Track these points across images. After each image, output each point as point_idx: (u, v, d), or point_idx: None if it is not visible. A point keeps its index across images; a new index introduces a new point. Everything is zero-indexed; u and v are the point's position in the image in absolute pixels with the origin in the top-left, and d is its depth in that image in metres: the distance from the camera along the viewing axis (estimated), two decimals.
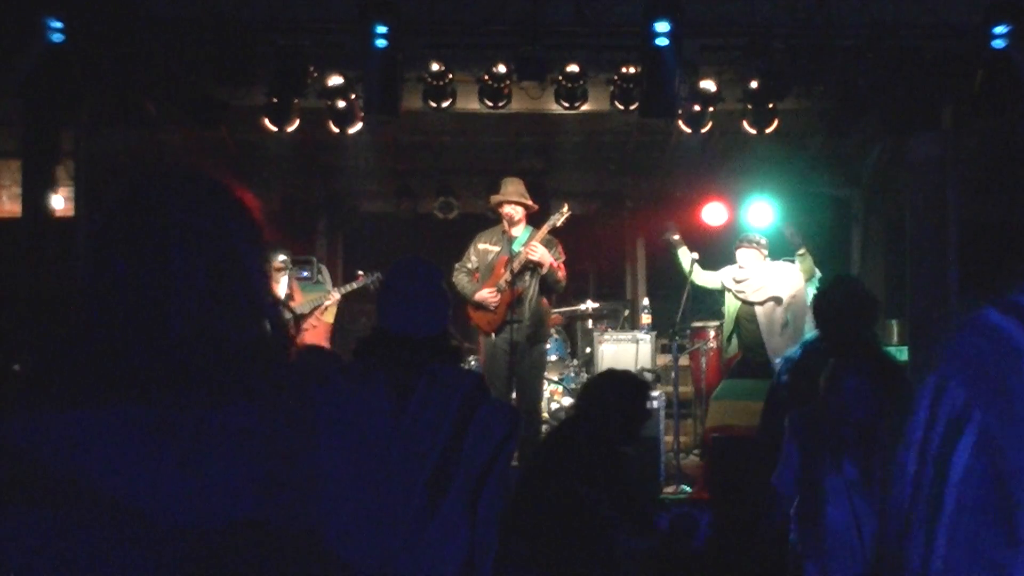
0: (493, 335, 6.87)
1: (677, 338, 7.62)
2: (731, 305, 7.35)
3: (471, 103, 7.18)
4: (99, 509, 1.07)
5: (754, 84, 6.96)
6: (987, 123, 7.36)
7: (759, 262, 7.22)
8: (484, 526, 2.51)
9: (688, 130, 7.26)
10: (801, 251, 7.21)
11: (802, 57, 6.77)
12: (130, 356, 1.15)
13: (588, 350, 8.81)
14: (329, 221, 10.55)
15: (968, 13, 6.60)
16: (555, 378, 8.07)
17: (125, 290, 1.20)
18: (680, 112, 7.04)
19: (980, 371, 1.05)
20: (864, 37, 6.74)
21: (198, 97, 7.00)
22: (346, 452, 1.15)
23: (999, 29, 6.37)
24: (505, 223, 6.93)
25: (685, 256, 7.48)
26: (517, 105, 7.25)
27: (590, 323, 9.30)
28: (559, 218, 6.91)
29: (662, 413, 6.99)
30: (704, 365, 8.38)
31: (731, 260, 7.42)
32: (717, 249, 7.61)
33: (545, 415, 7.66)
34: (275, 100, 6.98)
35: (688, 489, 6.92)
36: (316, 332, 7.84)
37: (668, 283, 8.87)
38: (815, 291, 7.16)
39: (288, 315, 7.63)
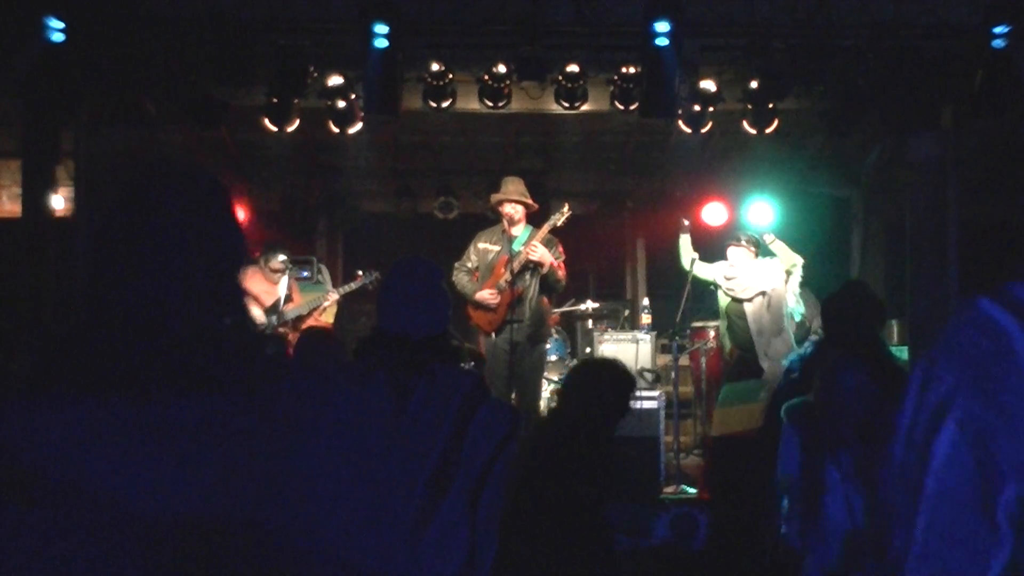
0: (493, 335, 6.87)
1: (677, 338, 7.64)
2: (722, 302, 7.44)
3: (471, 103, 7.18)
4: (91, 508, 1.07)
5: (754, 84, 6.96)
6: (987, 123, 7.36)
7: (749, 261, 7.30)
8: (484, 526, 2.51)
9: (688, 130, 7.26)
10: (770, 239, 7.30)
11: (802, 57, 6.77)
12: (129, 355, 1.15)
13: (588, 350, 8.81)
14: (329, 221, 10.55)
15: (968, 13, 6.60)
16: (555, 378, 8.07)
17: (124, 289, 1.19)
18: (680, 112, 7.04)
19: (967, 358, 1.06)
20: (864, 37, 6.74)
21: (198, 97, 6.99)
22: (345, 452, 1.15)
23: (999, 29, 6.36)
24: (505, 222, 6.93)
25: (686, 245, 7.55)
26: (517, 105, 7.25)
27: (590, 323, 9.30)
28: (559, 218, 6.91)
29: (662, 413, 7.00)
30: (704, 365, 8.39)
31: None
32: (717, 249, 7.63)
33: (545, 415, 7.67)
34: (275, 100, 6.98)
35: (688, 489, 6.92)
36: None
37: (668, 283, 8.87)
38: (801, 280, 7.30)
39: (286, 317, 7.62)
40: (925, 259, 7.45)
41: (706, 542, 6.10)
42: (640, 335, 8.17)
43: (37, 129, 7.01)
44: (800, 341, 7.23)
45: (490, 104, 7.07)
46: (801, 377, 4.33)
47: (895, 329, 8.59)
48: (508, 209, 6.95)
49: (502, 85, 6.98)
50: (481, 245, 7.07)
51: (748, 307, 7.23)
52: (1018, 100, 6.63)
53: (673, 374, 7.49)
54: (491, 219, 7.42)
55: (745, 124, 7.20)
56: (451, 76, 6.93)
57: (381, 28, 6.40)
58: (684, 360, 8.22)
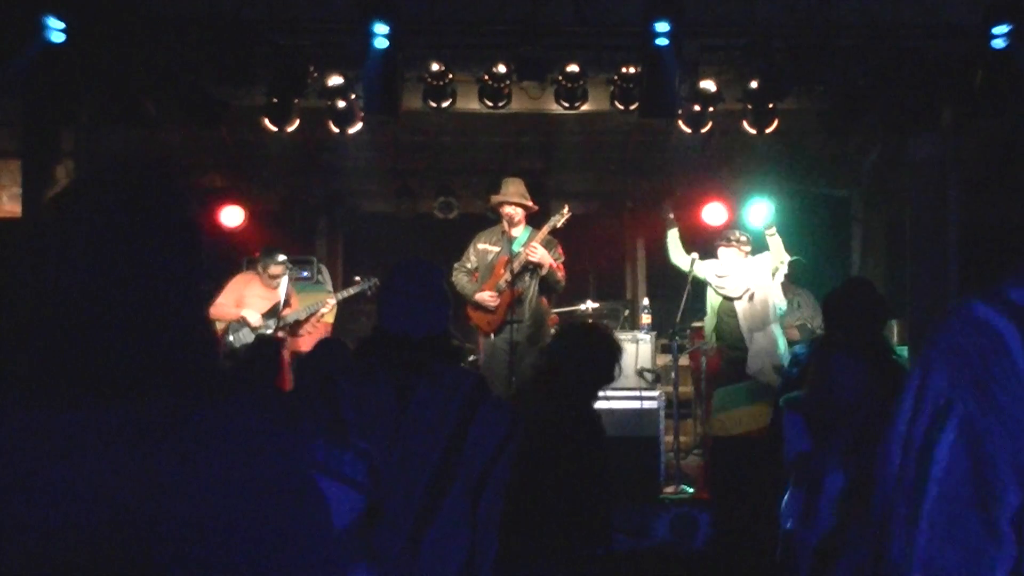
0: (493, 335, 6.87)
1: (677, 338, 7.64)
2: (713, 300, 7.46)
3: (471, 103, 7.18)
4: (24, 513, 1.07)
5: (754, 84, 6.96)
6: (987, 123, 7.36)
7: (740, 260, 7.34)
8: (485, 526, 2.51)
9: (688, 130, 7.26)
10: (771, 232, 7.35)
11: (802, 57, 6.77)
12: (52, 361, 1.14)
13: None
14: (329, 221, 10.54)
15: (968, 13, 6.60)
16: None
17: (112, 292, 1.18)
18: (680, 112, 7.04)
19: (963, 361, 1.06)
20: (864, 37, 6.74)
21: (198, 97, 6.99)
22: (252, 483, 1.13)
23: (999, 29, 6.36)
24: (505, 223, 6.93)
25: (675, 241, 7.61)
26: (517, 105, 7.25)
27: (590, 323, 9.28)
28: (559, 219, 6.91)
29: (662, 413, 7.00)
30: (704, 365, 8.38)
31: None
32: (714, 248, 7.64)
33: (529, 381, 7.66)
34: (275, 100, 6.98)
35: (688, 489, 6.92)
36: (316, 335, 7.82)
37: (668, 283, 8.87)
38: (784, 275, 7.33)
39: (285, 321, 7.61)
40: (925, 259, 7.45)
41: (706, 542, 6.10)
42: (640, 335, 8.15)
43: (37, 129, 7.01)
44: (803, 342, 7.25)
45: (490, 104, 7.07)
46: (799, 374, 4.33)
47: (895, 329, 8.58)
48: (508, 210, 6.95)
49: (502, 85, 6.98)
50: (481, 246, 7.07)
51: (739, 305, 7.29)
52: (1018, 100, 6.63)
53: (673, 374, 7.49)
54: (491, 219, 7.42)
55: (745, 124, 7.20)
56: (451, 76, 6.93)
57: (381, 28, 6.40)
58: (684, 360, 8.22)
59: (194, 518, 1.08)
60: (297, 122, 7.15)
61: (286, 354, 7.54)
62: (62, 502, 1.07)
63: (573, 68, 6.88)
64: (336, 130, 7.26)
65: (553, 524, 3.45)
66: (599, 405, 7.02)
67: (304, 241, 9.69)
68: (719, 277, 7.41)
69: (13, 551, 1.06)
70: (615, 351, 3.88)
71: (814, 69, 6.82)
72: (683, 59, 6.67)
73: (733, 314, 7.32)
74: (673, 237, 7.66)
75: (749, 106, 7.11)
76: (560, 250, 6.96)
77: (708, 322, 7.67)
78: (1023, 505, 0.99)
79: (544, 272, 6.76)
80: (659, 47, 6.47)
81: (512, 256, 6.80)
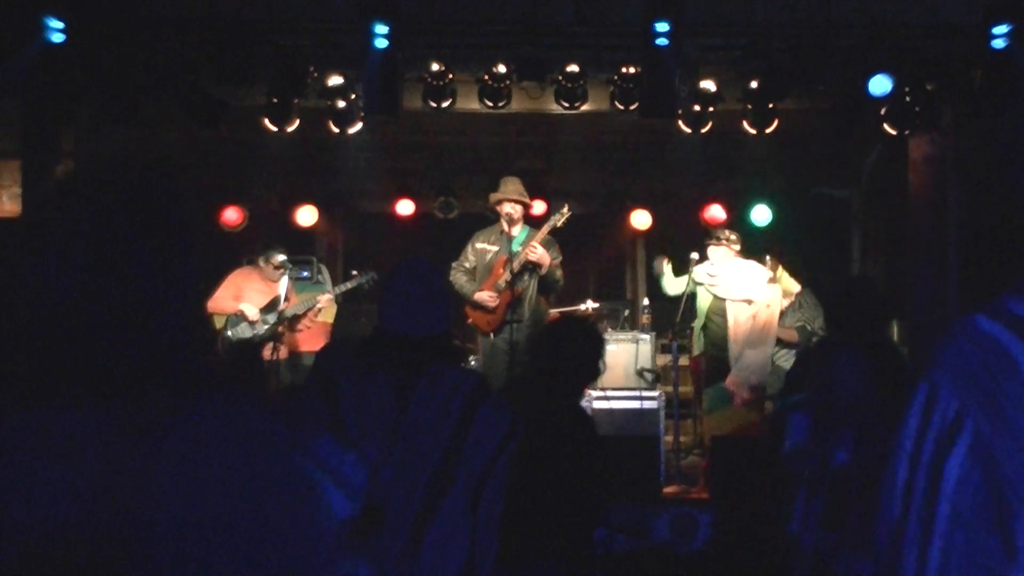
0: (492, 335, 6.86)
1: (677, 338, 7.63)
2: (703, 301, 7.45)
3: (471, 103, 7.18)
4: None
5: (754, 84, 6.96)
6: (987, 123, 7.36)
7: (730, 259, 7.33)
8: (485, 526, 2.51)
9: (688, 130, 7.26)
10: (773, 277, 7.39)
11: (802, 57, 6.77)
12: (27, 359, 1.14)
13: None
14: (329, 221, 10.53)
15: (968, 13, 6.60)
16: None
17: (117, 291, 1.18)
18: (680, 112, 7.04)
19: (971, 378, 1.05)
20: (864, 37, 6.74)
21: (198, 97, 6.99)
22: (234, 484, 1.12)
23: (999, 29, 6.37)
24: (504, 222, 6.93)
25: (668, 276, 7.75)
26: (517, 105, 7.25)
27: None
28: (560, 219, 6.90)
29: (662, 413, 7.00)
30: (704, 365, 8.37)
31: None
32: (707, 247, 7.64)
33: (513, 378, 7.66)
34: (275, 100, 6.98)
35: (689, 489, 6.92)
36: (313, 333, 7.82)
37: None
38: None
39: (284, 316, 7.61)
40: (925, 259, 7.45)
41: (706, 542, 6.10)
42: (640, 335, 8.15)
43: (37, 129, 7.01)
44: (802, 344, 7.26)
45: (490, 104, 7.07)
46: (800, 374, 4.33)
47: (895, 329, 8.58)
48: (508, 209, 6.94)
49: (502, 85, 6.98)
50: (479, 245, 7.06)
51: (729, 307, 7.25)
52: (1018, 100, 6.63)
53: (673, 374, 7.48)
54: (491, 219, 7.42)
55: (745, 124, 7.20)
56: (451, 76, 6.93)
57: (381, 28, 6.41)
58: (684, 360, 8.22)
59: (192, 517, 1.08)
60: (297, 122, 7.15)
61: (283, 352, 7.55)
62: (60, 502, 1.06)
63: (573, 68, 6.88)
64: (336, 130, 7.26)
65: (546, 523, 3.44)
66: (600, 405, 7.08)
67: (304, 241, 9.69)
68: (711, 276, 7.39)
69: (12, 551, 1.06)
70: (599, 345, 3.83)
71: (814, 69, 6.82)
72: (683, 59, 6.68)
73: (722, 314, 7.28)
74: (667, 273, 7.72)
75: (749, 106, 7.11)
76: (558, 249, 6.96)
77: (696, 323, 7.68)
78: None
79: (544, 272, 6.75)
80: (659, 47, 6.47)
81: (511, 255, 6.79)
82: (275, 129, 7.13)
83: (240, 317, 7.55)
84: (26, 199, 7.02)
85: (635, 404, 7.03)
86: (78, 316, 1.15)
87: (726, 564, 5.85)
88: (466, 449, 2.51)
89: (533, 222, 7.21)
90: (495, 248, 6.97)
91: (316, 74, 6.94)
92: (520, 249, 6.80)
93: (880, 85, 6.67)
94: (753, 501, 5.74)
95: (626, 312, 9.56)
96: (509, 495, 2.60)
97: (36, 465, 1.08)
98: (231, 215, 9.02)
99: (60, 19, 6.22)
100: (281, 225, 9.34)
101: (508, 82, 6.97)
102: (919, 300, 7.51)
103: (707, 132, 7.40)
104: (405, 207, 9.64)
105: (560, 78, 6.94)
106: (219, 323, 7.57)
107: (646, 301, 9.05)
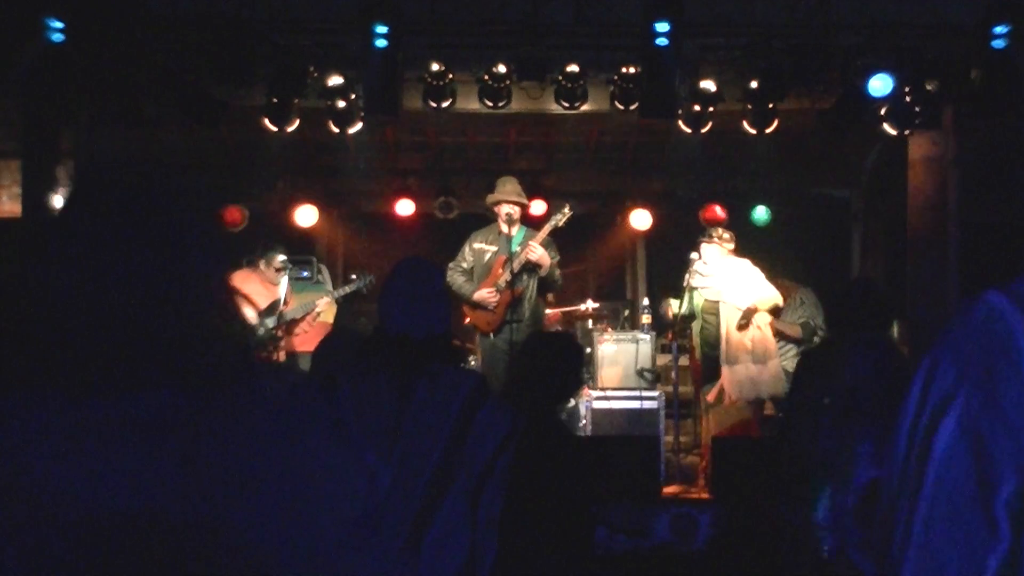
0: (492, 335, 6.86)
1: (677, 338, 7.63)
2: (697, 301, 7.41)
3: (471, 103, 7.18)
4: (24, 506, 1.07)
5: (754, 84, 6.96)
6: (987, 123, 7.37)
7: (722, 257, 7.24)
8: (485, 527, 2.51)
9: (688, 130, 7.26)
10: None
11: (802, 57, 6.77)
12: (73, 350, 1.14)
13: (588, 350, 8.79)
14: (329, 221, 10.54)
15: (968, 13, 6.61)
16: None
17: (66, 283, 1.18)
18: (680, 112, 7.04)
19: (970, 355, 1.06)
20: (864, 37, 6.74)
21: (198, 97, 6.99)
22: (294, 465, 1.13)
23: (999, 29, 6.37)
24: (503, 223, 6.92)
25: (673, 307, 7.58)
26: (517, 105, 7.25)
27: (590, 323, 9.29)
28: (560, 218, 6.90)
29: (662, 413, 7.00)
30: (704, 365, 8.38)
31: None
32: (700, 245, 7.62)
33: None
34: (275, 100, 6.98)
35: (689, 489, 6.92)
36: (312, 333, 7.81)
37: (668, 283, 8.87)
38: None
39: (284, 319, 7.60)
40: (925, 259, 7.45)
41: (706, 542, 6.10)
42: (640, 335, 8.16)
43: (37, 129, 7.02)
44: (806, 339, 7.25)
45: (490, 104, 7.07)
46: (803, 374, 4.34)
47: (895, 329, 8.59)
48: (507, 210, 6.93)
49: (502, 85, 6.98)
50: (476, 245, 7.05)
51: (722, 307, 7.15)
52: (1018, 100, 6.64)
53: (673, 374, 7.48)
54: (490, 219, 7.42)
55: (745, 124, 7.20)
56: (451, 76, 6.93)
57: (381, 28, 6.41)
58: (684, 360, 8.22)
59: (197, 516, 1.08)
60: (297, 122, 7.15)
61: (281, 354, 7.55)
62: (63, 501, 1.07)
63: (573, 68, 6.88)
64: (336, 130, 7.26)
65: (534, 532, 3.44)
66: (600, 405, 7.08)
67: (304, 241, 9.69)
68: (703, 277, 7.32)
69: (13, 551, 1.06)
70: (577, 360, 3.85)
71: (814, 69, 6.82)
72: (683, 59, 6.68)
73: (715, 314, 7.21)
74: (674, 307, 7.56)
75: (749, 106, 7.11)
76: (556, 249, 6.96)
77: (695, 326, 7.58)
78: (1018, 490, 0.99)
79: (543, 272, 6.75)
80: (659, 47, 6.47)
81: (511, 255, 6.79)
82: (275, 129, 7.13)
83: None
84: (26, 199, 7.02)
85: (635, 404, 7.03)
86: (79, 316, 1.15)
87: (726, 564, 5.85)
88: (466, 449, 2.51)
89: (532, 222, 7.20)
90: (493, 248, 6.96)
91: (316, 74, 6.94)
92: (519, 249, 6.79)
93: (880, 85, 6.67)
94: (753, 501, 5.75)
95: (626, 312, 9.58)
96: (508, 496, 2.60)
97: (37, 465, 1.08)
98: (232, 215, 9.02)
99: (60, 19, 6.22)
100: (281, 225, 9.35)
101: (508, 82, 6.97)
102: (919, 300, 7.51)
103: (707, 132, 7.40)
104: (405, 207, 9.63)
105: (560, 78, 6.94)
106: None
107: (646, 301, 9.06)
